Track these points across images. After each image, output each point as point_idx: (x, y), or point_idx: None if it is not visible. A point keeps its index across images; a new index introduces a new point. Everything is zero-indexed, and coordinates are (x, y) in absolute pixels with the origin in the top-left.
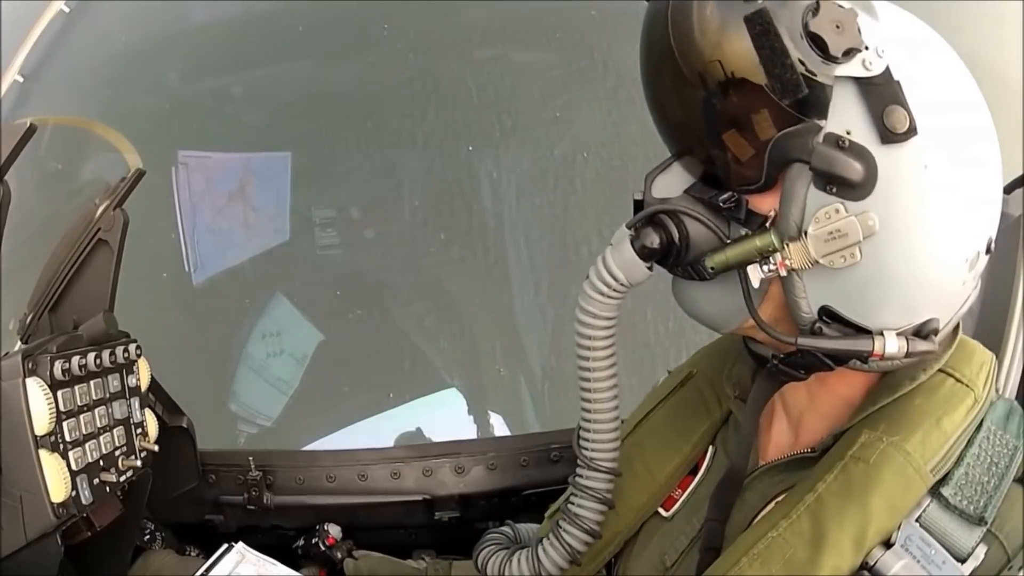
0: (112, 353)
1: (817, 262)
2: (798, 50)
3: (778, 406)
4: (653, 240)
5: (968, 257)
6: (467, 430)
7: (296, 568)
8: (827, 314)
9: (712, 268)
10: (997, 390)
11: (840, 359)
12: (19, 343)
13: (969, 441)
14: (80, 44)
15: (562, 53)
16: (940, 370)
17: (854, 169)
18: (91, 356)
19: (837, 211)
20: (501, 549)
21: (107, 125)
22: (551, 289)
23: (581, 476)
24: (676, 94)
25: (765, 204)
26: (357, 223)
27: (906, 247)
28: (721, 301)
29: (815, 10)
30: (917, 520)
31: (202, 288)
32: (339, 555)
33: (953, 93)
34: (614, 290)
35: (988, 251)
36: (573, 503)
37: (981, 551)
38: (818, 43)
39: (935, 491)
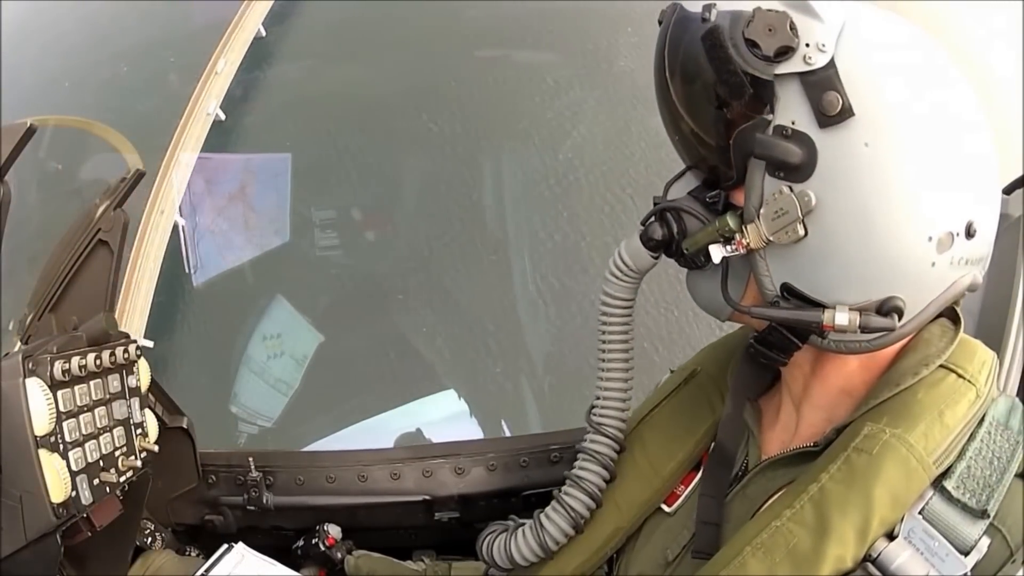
0: (112, 353)
1: (770, 240)
2: (740, 56)
3: (784, 402)
4: (656, 232)
5: (932, 236)
6: (467, 431)
7: (296, 568)
8: (788, 290)
9: (687, 250)
10: (999, 389)
11: (797, 331)
12: (19, 343)
13: (971, 436)
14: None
15: (565, 53)
16: (942, 366)
17: (793, 153)
18: (91, 356)
19: (782, 192)
20: (503, 532)
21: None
22: (554, 289)
23: (587, 441)
24: (669, 108)
25: (742, 197)
26: (358, 224)
27: (850, 222)
28: (716, 289)
29: (751, 19)
30: (920, 513)
31: (202, 289)
32: (339, 555)
33: (912, 82)
34: (625, 275)
35: (969, 235)
36: (577, 466)
37: (984, 543)
38: (755, 46)
39: (938, 484)
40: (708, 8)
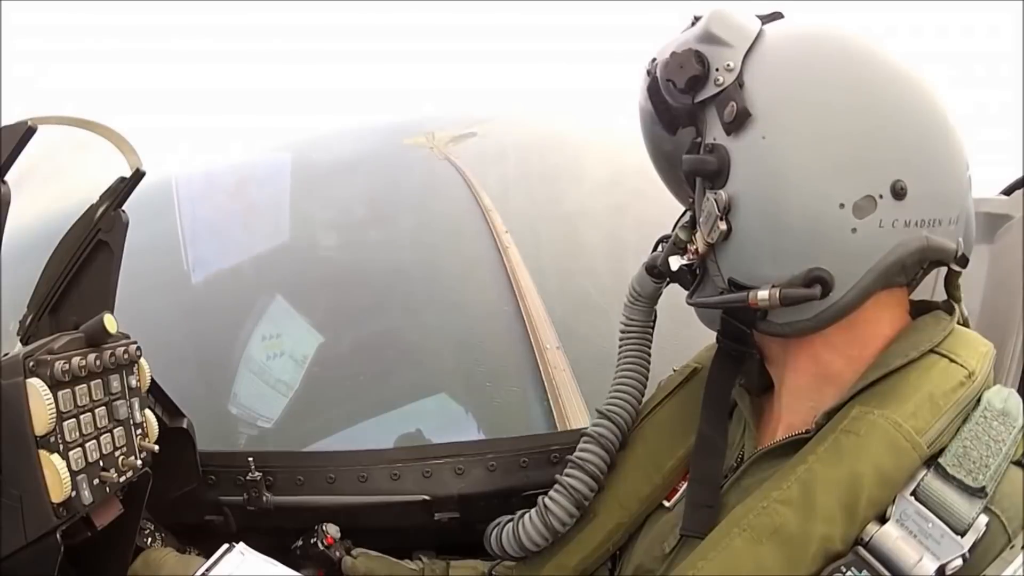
0: (112, 354)
1: (708, 243)
2: (668, 95)
3: (776, 396)
4: (655, 260)
5: (844, 203)
6: (467, 431)
7: (296, 568)
8: (732, 283)
9: (660, 268)
10: (999, 384)
11: (739, 317)
12: (19, 344)
13: (966, 419)
14: None
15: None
16: (935, 351)
17: (710, 163)
18: (91, 357)
19: (708, 199)
20: (509, 522)
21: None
22: (558, 289)
23: (592, 425)
24: (650, 155)
25: None
26: (359, 224)
27: (759, 208)
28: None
29: (667, 62)
30: (912, 494)
31: (202, 288)
32: (337, 555)
33: (800, 75)
34: (637, 299)
35: (898, 196)
36: (579, 449)
37: (982, 522)
38: (673, 84)
39: (931, 463)
40: (652, 62)
